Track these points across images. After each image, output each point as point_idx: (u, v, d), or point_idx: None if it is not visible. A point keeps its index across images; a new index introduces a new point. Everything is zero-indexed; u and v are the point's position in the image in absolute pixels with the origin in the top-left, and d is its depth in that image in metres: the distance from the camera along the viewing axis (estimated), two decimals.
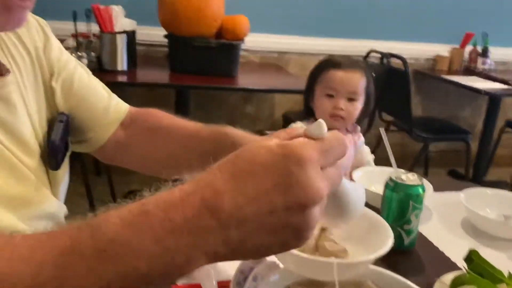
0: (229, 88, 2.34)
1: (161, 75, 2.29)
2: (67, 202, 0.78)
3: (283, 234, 0.37)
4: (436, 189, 1.09)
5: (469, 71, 3.26)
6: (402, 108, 2.77)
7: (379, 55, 2.77)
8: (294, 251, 0.55)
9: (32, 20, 0.74)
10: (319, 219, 0.38)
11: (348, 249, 0.58)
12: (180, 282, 0.67)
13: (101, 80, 0.87)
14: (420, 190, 0.80)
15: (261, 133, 0.77)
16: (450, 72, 3.23)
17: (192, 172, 0.83)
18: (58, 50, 0.76)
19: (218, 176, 0.38)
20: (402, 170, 0.85)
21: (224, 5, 2.24)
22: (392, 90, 2.68)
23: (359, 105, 1.36)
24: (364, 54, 2.87)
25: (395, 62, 2.66)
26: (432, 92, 3.37)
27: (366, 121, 2.45)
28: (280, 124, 2.97)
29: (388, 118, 2.98)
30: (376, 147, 2.68)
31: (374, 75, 2.42)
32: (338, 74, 1.34)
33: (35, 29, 0.74)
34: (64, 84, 0.75)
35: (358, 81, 1.35)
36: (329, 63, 1.38)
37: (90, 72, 0.82)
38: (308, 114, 1.43)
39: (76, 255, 0.35)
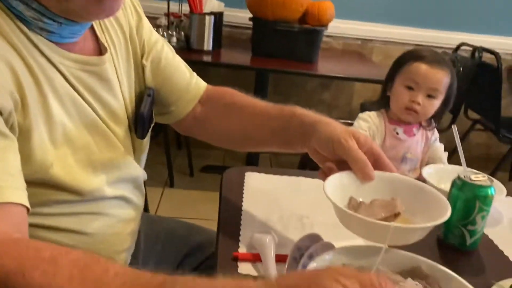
0: (308, 73, 2.35)
1: (243, 57, 2.36)
2: (149, 171, 0.87)
3: None
4: None
5: None
6: (490, 107, 2.60)
7: (470, 49, 2.62)
8: (352, 212, 0.60)
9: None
10: None
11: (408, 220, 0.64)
12: (241, 250, 0.73)
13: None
14: (489, 192, 0.78)
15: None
16: None
17: (262, 146, 0.89)
18: (148, 29, 0.84)
19: None
20: (474, 170, 0.83)
21: None
22: (482, 86, 2.53)
23: (437, 103, 1.32)
24: (454, 46, 2.72)
25: (487, 57, 2.50)
26: None
27: (449, 119, 2.35)
28: (357, 113, 2.93)
29: (475, 116, 2.82)
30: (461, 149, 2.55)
31: (461, 69, 2.32)
32: (422, 68, 1.31)
33: (129, 8, 0.82)
34: (153, 62, 0.83)
35: (442, 79, 1.31)
36: (415, 55, 1.35)
37: (174, 51, 0.90)
38: (383, 102, 1.42)
39: None
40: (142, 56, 0.82)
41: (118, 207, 0.75)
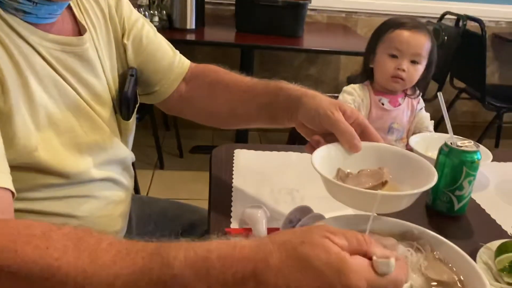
0: (293, 48, 2.33)
1: (227, 34, 2.33)
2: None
3: None
4: (502, 159, 1.07)
5: None
6: (475, 75, 2.62)
7: (454, 18, 2.61)
8: (340, 182, 0.60)
9: None
10: None
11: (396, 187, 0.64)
12: (233, 226, 0.73)
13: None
14: (475, 157, 0.79)
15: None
16: None
17: (249, 123, 0.89)
18: (128, 8, 0.82)
19: (276, 254, 0.42)
20: (460, 137, 0.84)
21: None
22: (467, 55, 2.53)
23: (421, 68, 1.33)
24: (438, 16, 2.71)
25: (472, 25, 2.50)
26: None
27: (435, 88, 2.36)
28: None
29: (460, 84, 2.83)
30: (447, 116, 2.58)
31: (446, 38, 2.31)
32: (404, 34, 1.31)
33: None
34: (134, 41, 0.82)
35: (423, 43, 1.31)
36: (395, 23, 1.35)
37: (155, 29, 0.88)
38: (366, 75, 1.42)
39: (143, 279, 0.42)
40: (122, 36, 0.81)
41: (107, 189, 0.75)
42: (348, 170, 0.67)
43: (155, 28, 0.88)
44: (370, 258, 0.43)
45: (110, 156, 0.76)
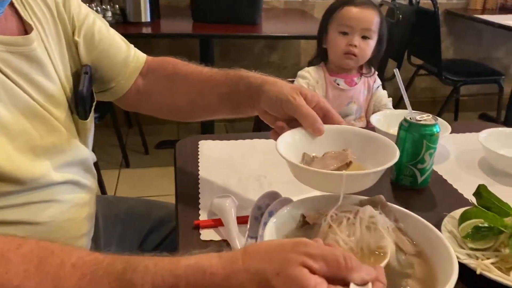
0: (252, 36, 2.31)
1: (184, 25, 2.29)
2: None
3: None
4: (461, 131, 1.10)
5: (506, 9, 3.10)
6: (431, 51, 2.69)
7: None
8: (305, 166, 0.61)
9: None
10: None
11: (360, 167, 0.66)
12: (202, 218, 0.72)
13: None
14: (434, 130, 0.81)
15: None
16: (485, 11, 3.08)
17: (211, 114, 0.88)
18: (77, 4, 0.79)
19: (248, 287, 0.41)
20: (418, 112, 0.86)
21: None
22: (422, 32, 2.59)
23: (372, 43, 1.36)
24: None
25: (425, 3, 2.56)
26: (465, 33, 3.24)
27: (394, 67, 2.40)
28: None
29: (418, 61, 2.90)
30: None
31: (401, 17, 2.35)
32: (353, 11, 1.34)
33: None
34: (85, 38, 0.79)
35: (373, 18, 1.34)
36: (344, 0, 1.37)
37: (107, 24, 0.85)
38: (321, 56, 1.44)
39: None
40: (73, 33, 0.78)
41: (69, 192, 0.73)
42: (314, 154, 0.67)
43: (107, 23, 0.85)
44: (348, 283, 0.41)
45: (69, 158, 0.73)
